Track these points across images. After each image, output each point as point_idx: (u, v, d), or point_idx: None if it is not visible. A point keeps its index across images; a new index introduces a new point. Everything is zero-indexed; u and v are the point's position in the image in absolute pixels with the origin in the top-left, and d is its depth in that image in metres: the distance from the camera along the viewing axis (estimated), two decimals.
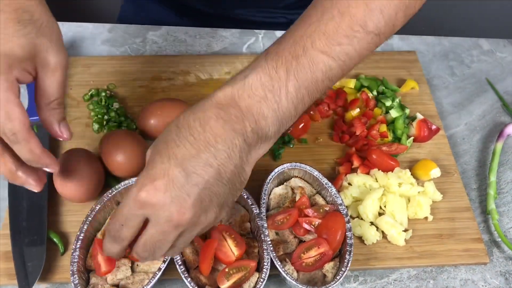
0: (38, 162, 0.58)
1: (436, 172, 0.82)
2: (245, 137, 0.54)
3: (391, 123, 0.88)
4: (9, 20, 0.55)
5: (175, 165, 0.52)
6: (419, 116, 0.89)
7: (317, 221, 0.72)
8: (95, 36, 1.05)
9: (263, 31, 1.07)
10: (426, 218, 0.79)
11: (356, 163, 0.83)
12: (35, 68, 0.58)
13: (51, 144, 0.84)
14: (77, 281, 0.66)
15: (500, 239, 0.79)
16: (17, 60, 0.55)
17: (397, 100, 0.90)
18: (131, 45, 1.04)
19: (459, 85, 1.00)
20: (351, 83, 0.93)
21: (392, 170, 0.81)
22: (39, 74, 0.58)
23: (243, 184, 0.57)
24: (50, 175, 0.78)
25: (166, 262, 0.68)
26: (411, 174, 0.81)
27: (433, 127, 0.88)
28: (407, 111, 0.90)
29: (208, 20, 1.10)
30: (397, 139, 0.87)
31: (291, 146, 0.86)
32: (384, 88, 0.93)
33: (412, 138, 0.87)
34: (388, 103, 0.89)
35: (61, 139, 0.63)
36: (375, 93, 0.93)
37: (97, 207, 0.72)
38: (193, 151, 0.53)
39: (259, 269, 0.69)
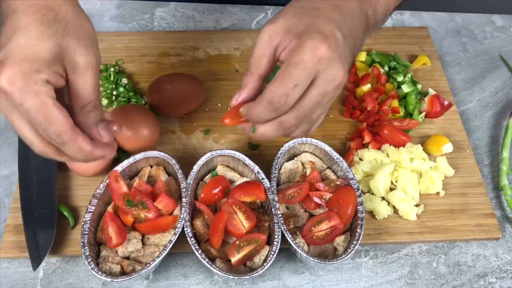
0: (91, 157, 0.57)
1: (448, 147, 0.81)
2: (368, 20, 0.62)
3: (402, 99, 0.87)
4: (32, 23, 0.52)
5: (336, 27, 0.56)
6: (431, 92, 0.87)
7: (328, 195, 0.71)
8: (103, 13, 1.04)
9: (272, 7, 1.06)
10: (438, 193, 0.78)
11: (367, 138, 0.82)
12: (66, 70, 0.55)
13: None
14: (88, 252, 0.66)
15: None
16: (45, 64, 0.52)
17: (409, 75, 0.89)
18: (139, 21, 1.03)
19: (471, 61, 0.99)
20: (362, 56, 0.92)
21: (403, 146, 0.80)
22: (69, 76, 0.55)
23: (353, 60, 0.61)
24: None
25: (177, 235, 0.68)
26: (423, 150, 0.80)
27: (445, 102, 0.86)
28: (419, 86, 0.89)
29: None
30: (408, 115, 0.86)
31: None
32: (396, 63, 0.92)
33: (424, 113, 0.86)
34: (400, 78, 0.88)
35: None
36: (386, 68, 0.91)
37: (107, 181, 0.71)
38: (341, 19, 0.58)
39: (269, 242, 0.69)
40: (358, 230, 0.69)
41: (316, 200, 0.71)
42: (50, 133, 0.53)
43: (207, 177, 0.76)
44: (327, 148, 0.76)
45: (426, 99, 0.87)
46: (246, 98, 0.60)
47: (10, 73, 0.50)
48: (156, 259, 0.65)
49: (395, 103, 0.85)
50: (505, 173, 0.81)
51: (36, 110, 0.51)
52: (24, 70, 0.51)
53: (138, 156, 0.74)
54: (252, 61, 0.59)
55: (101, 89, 0.88)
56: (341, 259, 0.66)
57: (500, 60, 0.99)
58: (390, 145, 0.80)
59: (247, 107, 0.58)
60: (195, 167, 0.73)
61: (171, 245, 0.67)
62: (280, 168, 0.77)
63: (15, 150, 0.80)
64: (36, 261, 0.68)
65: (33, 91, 0.51)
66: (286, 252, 0.73)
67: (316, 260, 0.66)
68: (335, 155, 0.76)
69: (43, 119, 0.52)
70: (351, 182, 0.73)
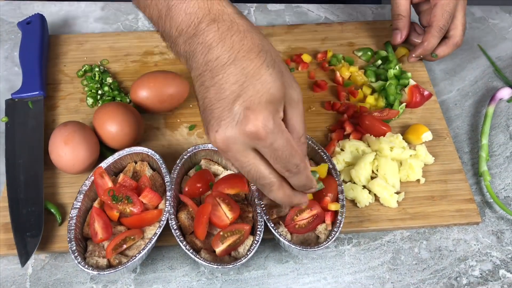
0: (310, 186, 0.61)
1: (427, 136, 0.83)
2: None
3: (383, 90, 0.89)
4: (258, 66, 0.54)
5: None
6: (412, 82, 0.89)
7: None
8: (87, 14, 1.05)
9: (254, 4, 1.07)
10: (418, 180, 0.80)
11: (348, 129, 0.83)
12: (284, 107, 0.56)
13: (46, 119, 0.85)
14: (74, 247, 0.67)
15: (492, 200, 0.80)
16: (280, 103, 0.55)
17: (398, 66, 0.91)
18: (124, 22, 1.04)
19: None
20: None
21: (384, 135, 0.82)
22: (287, 111, 0.57)
23: None
24: (45, 148, 0.79)
25: (161, 228, 0.69)
26: (403, 139, 0.82)
27: (425, 92, 0.88)
28: (409, 75, 0.91)
29: None
30: (389, 105, 0.88)
31: None
32: (389, 54, 0.95)
33: (404, 104, 0.88)
34: (394, 71, 0.91)
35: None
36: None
37: (92, 178, 0.73)
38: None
39: (254, 232, 0.71)
40: (339, 217, 0.70)
41: None
42: (290, 165, 0.56)
43: (191, 171, 0.77)
44: (309, 140, 0.78)
45: (406, 89, 0.89)
46: (406, 36, 0.92)
47: (262, 118, 0.53)
48: (141, 251, 0.67)
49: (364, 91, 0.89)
50: (484, 160, 0.82)
51: (283, 147, 0.55)
52: (272, 113, 0.53)
53: (123, 152, 0.76)
54: (399, 10, 0.90)
55: (86, 88, 0.89)
56: (322, 246, 0.67)
57: (479, 50, 1.01)
58: (370, 135, 0.82)
59: (422, 47, 0.88)
60: (179, 161, 0.74)
61: (156, 237, 0.68)
62: None
63: (2, 152, 0.81)
64: (24, 258, 0.69)
65: (281, 131, 0.54)
66: (271, 242, 0.74)
67: (298, 248, 0.67)
68: (317, 146, 0.77)
69: (288, 154, 0.55)
70: (332, 172, 0.75)
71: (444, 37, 0.90)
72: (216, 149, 0.74)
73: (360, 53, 0.96)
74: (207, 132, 0.56)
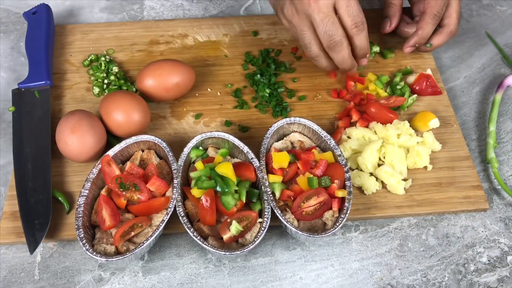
0: (367, 50, 0.80)
1: (435, 123, 0.83)
2: None
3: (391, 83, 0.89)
4: None
5: None
6: (428, 71, 0.89)
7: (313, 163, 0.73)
8: (93, 4, 1.05)
9: None
10: (425, 167, 0.79)
11: (355, 117, 0.83)
12: None
13: (52, 108, 0.85)
14: (82, 234, 0.67)
15: (500, 187, 0.80)
16: None
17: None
18: (129, 12, 1.04)
19: (458, 39, 1.00)
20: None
21: (391, 123, 0.81)
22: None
23: None
24: (52, 137, 0.79)
25: (169, 215, 0.69)
26: (410, 126, 0.81)
27: (437, 89, 0.88)
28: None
29: None
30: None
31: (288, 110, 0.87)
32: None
33: (415, 95, 0.87)
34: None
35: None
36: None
37: (99, 166, 0.73)
38: None
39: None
40: (346, 204, 0.70)
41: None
42: (358, 19, 0.75)
43: (198, 159, 0.77)
44: (315, 127, 0.78)
45: (413, 77, 0.88)
46: (396, 25, 0.91)
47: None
48: (149, 238, 0.67)
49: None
50: (492, 147, 0.82)
51: (355, 4, 0.75)
52: None
53: (130, 141, 0.76)
54: None
55: (92, 78, 0.90)
56: (330, 232, 0.67)
57: (487, 37, 1.00)
58: (377, 122, 0.82)
59: (417, 35, 0.86)
60: (186, 149, 0.75)
61: (164, 224, 0.68)
62: (270, 148, 0.78)
63: (10, 141, 0.82)
64: (32, 245, 0.70)
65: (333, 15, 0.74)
66: (278, 230, 0.75)
67: (305, 234, 0.67)
68: (323, 133, 0.77)
69: (358, 10, 0.75)
70: (339, 159, 0.74)
71: (439, 26, 0.88)
72: (223, 136, 0.74)
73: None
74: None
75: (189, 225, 0.68)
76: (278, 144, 0.79)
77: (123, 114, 0.77)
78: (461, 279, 0.71)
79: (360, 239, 0.75)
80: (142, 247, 0.66)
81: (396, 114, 0.83)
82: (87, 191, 0.71)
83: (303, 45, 0.78)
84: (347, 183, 0.72)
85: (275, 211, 0.69)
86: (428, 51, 0.90)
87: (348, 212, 0.69)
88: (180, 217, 0.69)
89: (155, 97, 0.84)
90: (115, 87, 0.87)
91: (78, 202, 0.70)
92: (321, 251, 0.74)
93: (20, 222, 0.72)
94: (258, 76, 0.90)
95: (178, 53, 0.94)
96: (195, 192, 0.70)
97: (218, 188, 0.68)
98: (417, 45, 0.88)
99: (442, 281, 0.71)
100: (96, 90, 0.87)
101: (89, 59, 0.92)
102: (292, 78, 0.91)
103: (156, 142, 0.75)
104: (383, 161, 0.78)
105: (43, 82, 0.86)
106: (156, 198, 0.71)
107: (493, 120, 0.85)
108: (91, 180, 0.72)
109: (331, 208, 0.71)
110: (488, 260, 0.73)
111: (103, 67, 0.89)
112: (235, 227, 0.67)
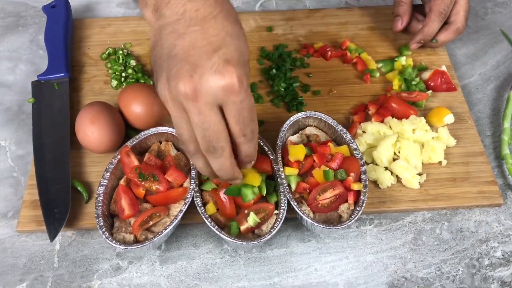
0: (253, 158, 0.64)
1: (450, 118, 0.83)
2: None
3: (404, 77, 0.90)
4: (238, 30, 0.56)
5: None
6: (443, 68, 0.90)
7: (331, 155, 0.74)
8: None
9: None
10: (440, 162, 0.80)
11: (372, 108, 0.84)
12: None
13: (71, 100, 0.87)
14: (102, 223, 0.68)
15: None
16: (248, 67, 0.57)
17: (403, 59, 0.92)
18: None
19: (472, 36, 1.00)
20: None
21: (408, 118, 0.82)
22: None
23: None
24: (71, 129, 0.80)
25: (187, 205, 0.70)
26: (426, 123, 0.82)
27: (452, 85, 0.89)
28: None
29: None
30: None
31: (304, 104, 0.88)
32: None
33: (430, 91, 0.88)
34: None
35: None
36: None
37: (118, 156, 0.74)
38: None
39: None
40: (362, 197, 0.71)
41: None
42: (248, 129, 0.57)
43: None
44: (331, 121, 0.78)
45: (428, 73, 0.89)
46: (407, 22, 0.91)
47: (240, 74, 0.53)
48: (167, 227, 0.68)
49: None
50: (507, 143, 0.82)
51: (250, 108, 0.56)
52: (246, 74, 0.55)
53: (148, 132, 0.77)
54: None
55: (110, 71, 0.91)
56: (345, 224, 0.68)
57: (501, 35, 1.01)
58: (393, 117, 0.82)
59: (423, 32, 0.87)
60: None
61: (182, 214, 0.69)
62: (285, 142, 0.79)
63: (30, 132, 0.83)
64: (52, 233, 0.71)
65: (250, 93, 0.56)
66: (294, 222, 0.75)
67: (321, 226, 0.68)
68: (339, 127, 0.78)
69: (250, 117, 0.57)
70: (354, 152, 0.75)
71: (446, 23, 0.89)
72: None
73: (380, 65, 0.93)
74: (171, 79, 0.54)
75: (206, 215, 0.69)
76: (293, 138, 0.80)
77: (142, 106, 0.78)
78: (475, 273, 0.72)
79: (374, 232, 0.75)
80: (161, 236, 0.67)
81: (416, 110, 0.83)
82: (106, 181, 0.72)
83: (179, 138, 0.60)
84: (363, 176, 0.73)
85: (291, 202, 0.70)
86: (434, 47, 0.92)
87: (364, 204, 0.70)
88: (198, 207, 0.70)
89: None
90: (133, 80, 0.88)
91: (97, 192, 0.71)
92: (336, 243, 0.74)
93: (40, 211, 0.73)
94: (274, 70, 0.91)
95: None
96: (206, 186, 0.71)
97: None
98: (422, 42, 0.90)
99: (456, 274, 0.71)
100: (114, 83, 0.88)
101: (107, 52, 0.93)
102: (307, 73, 0.92)
103: (174, 134, 0.77)
104: (398, 156, 0.79)
105: (62, 74, 0.87)
106: (174, 188, 0.72)
107: (507, 117, 0.85)
108: (110, 170, 0.73)
109: (346, 201, 0.72)
110: (502, 255, 0.73)
111: (121, 61, 0.91)
112: (252, 219, 0.68)
